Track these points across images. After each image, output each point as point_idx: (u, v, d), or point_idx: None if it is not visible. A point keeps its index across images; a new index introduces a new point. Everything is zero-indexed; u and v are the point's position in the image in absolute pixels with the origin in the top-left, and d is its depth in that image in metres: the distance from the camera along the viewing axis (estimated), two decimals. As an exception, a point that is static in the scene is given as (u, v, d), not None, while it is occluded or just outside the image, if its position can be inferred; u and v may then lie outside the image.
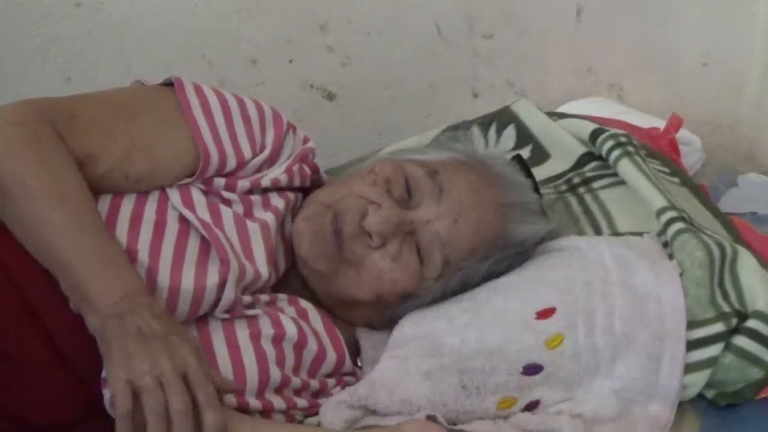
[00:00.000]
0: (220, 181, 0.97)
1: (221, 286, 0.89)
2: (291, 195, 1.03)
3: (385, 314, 1.01)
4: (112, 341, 0.79)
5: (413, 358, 0.94)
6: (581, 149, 1.26)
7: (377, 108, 1.69)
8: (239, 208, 0.97)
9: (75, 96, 0.97)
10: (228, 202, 0.97)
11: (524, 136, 1.34)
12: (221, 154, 0.96)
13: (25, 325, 0.85)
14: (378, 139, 1.67)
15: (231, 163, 0.97)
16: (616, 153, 1.17)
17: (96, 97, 0.98)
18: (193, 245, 0.91)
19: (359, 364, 1.01)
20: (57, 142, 0.88)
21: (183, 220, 0.93)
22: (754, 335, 0.95)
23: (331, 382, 0.96)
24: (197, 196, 0.96)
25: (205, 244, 0.92)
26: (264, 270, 0.95)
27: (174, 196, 0.94)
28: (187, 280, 0.88)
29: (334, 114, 1.67)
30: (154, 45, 1.53)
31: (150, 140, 0.94)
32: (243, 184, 0.98)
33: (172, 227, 0.92)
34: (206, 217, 0.94)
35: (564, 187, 1.23)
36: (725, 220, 1.18)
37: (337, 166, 1.33)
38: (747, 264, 1.01)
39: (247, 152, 0.99)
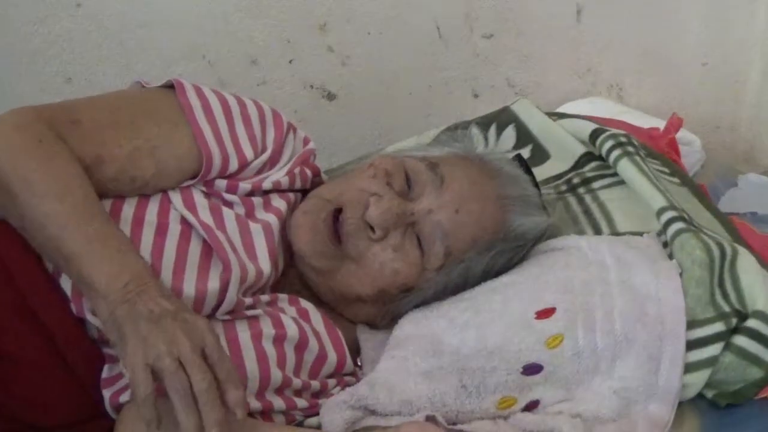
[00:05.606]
0: (221, 183, 0.97)
1: (223, 290, 0.89)
2: (292, 195, 1.03)
3: (387, 310, 1.01)
4: (125, 326, 0.77)
5: (413, 358, 0.94)
6: (581, 149, 1.26)
7: (377, 108, 1.69)
8: (241, 210, 0.98)
9: (75, 100, 0.97)
10: (230, 204, 0.97)
11: (524, 136, 1.34)
12: (223, 155, 0.96)
13: (25, 327, 0.85)
14: (378, 139, 1.67)
15: (233, 164, 0.97)
16: (616, 153, 1.17)
17: (97, 101, 0.97)
18: (195, 248, 0.91)
19: (359, 363, 1.01)
20: (59, 142, 0.88)
21: (185, 222, 0.93)
22: (754, 335, 0.95)
23: (331, 382, 0.96)
24: (199, 198, 0.96)
25: (207, 247, 0.92)
26: (266, 267, 0.95)
27: (176, 198, 0.95)
28: (189, 285, 0.88)
29: (334, 114, 1.67)
30: (154, 45, 1.53)
31: (153, 144, 0.94)
32: (244, 186, 0.98)
33: (174, 230, 0.92)
34: (208, 219, 0.94)
35: (564, 188, 1.23)
36: (725, 220, 1.18)
37: (337, 166, 1.33)
38: (747, 264, 1.01)
39: (249, 153, 0.99)
